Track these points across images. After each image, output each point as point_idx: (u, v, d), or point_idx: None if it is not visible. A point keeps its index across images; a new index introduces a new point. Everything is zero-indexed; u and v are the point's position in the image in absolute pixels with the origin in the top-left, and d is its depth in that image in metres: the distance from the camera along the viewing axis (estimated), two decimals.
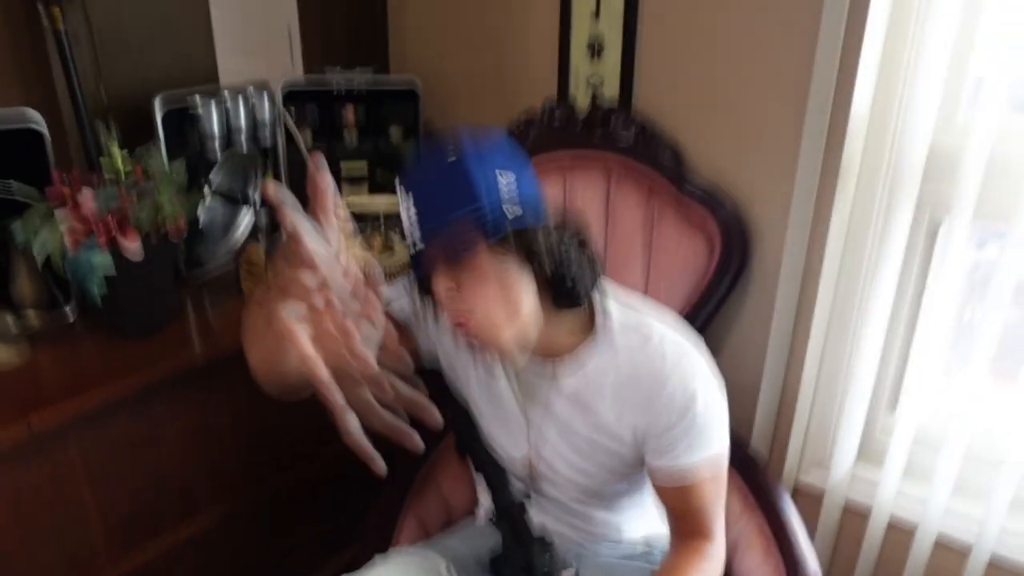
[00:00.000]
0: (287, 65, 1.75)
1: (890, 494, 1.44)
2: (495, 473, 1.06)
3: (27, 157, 1.21)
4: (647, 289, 1.49)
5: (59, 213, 1.11)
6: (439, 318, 0.99)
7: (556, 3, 1.58)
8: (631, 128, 1.51)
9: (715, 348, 1.18)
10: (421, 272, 0.88)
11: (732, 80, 1.41)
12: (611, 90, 1.56)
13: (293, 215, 0.54)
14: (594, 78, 1.58)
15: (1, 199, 1.18)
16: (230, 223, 1.57)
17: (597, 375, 0.95)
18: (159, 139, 1.35)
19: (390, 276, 1.38)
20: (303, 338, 0.53)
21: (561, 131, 1.56)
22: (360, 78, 1.72)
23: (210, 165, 1.51)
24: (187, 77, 1.55)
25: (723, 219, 1.44)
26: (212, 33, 1.59)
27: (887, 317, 1.38)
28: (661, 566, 1.00)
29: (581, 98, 1.61)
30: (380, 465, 0.56)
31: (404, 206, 0.85)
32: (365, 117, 1.77)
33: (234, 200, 1.55)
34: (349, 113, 1.75)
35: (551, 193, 1.46)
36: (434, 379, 1.08)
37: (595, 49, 1.56)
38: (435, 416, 0.58)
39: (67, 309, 1.29)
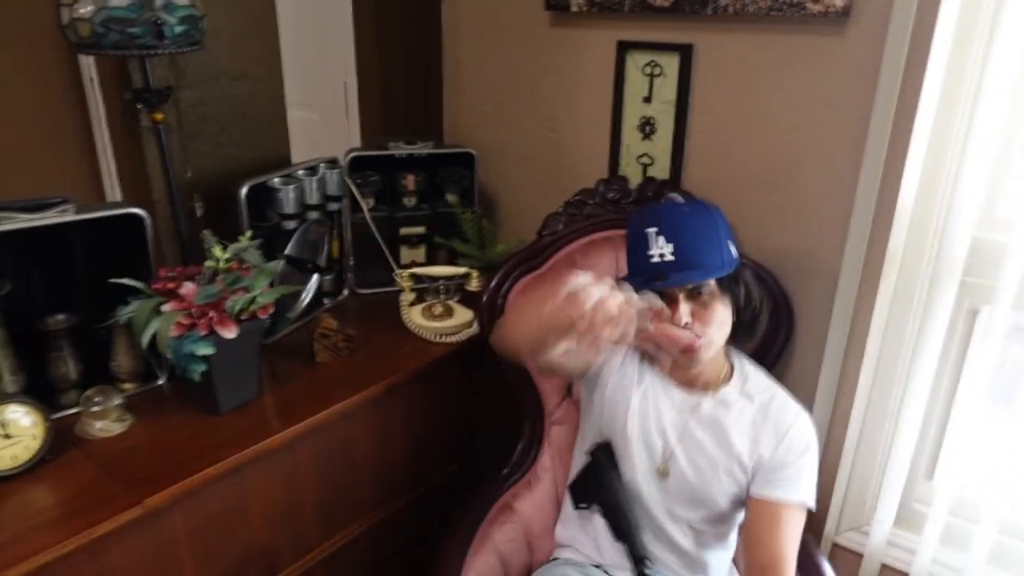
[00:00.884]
0: (347, 139, 1.86)
1: (926, 561, 1.51)
2: (630, 520, 1.15)
3: (126, 244, 1.32)
4: None
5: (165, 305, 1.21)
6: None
7: (609, 87, 1.67)
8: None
9: None
10: (668, 290, 1.13)
11: (781, 166, 1.50)
12: (661, 170, 1.65)
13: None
14: (644, 158, 1.67)
15: (101, 283, 1.29)
16: (299, 288, 1.67)
17: (735, 408, 1.22)
18: (244, 222, 1.45)
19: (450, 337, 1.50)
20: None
21: (614, 204, 1.64)
22: (420, 148, 1.82)
23: (284, 235, 1.61)
24: (263, 158, 1.65)
25: (770, 297, 1.52)
26: (287, 120, 1.70)
27: (927, 393, 1.45)
28: None
29: (632, 175, 1.69)
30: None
31: (651, 238, 1.13)
32: (424, 183, 1.86)
33: (303, 266, 1.65)
34: (409, 180, 1.84)
35: (607, 266, 1.55)
36: None
37: (646, 130, 1.65)
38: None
39: (161, 382, 1.39)
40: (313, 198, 1.63)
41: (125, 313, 1.25)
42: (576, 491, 1.25)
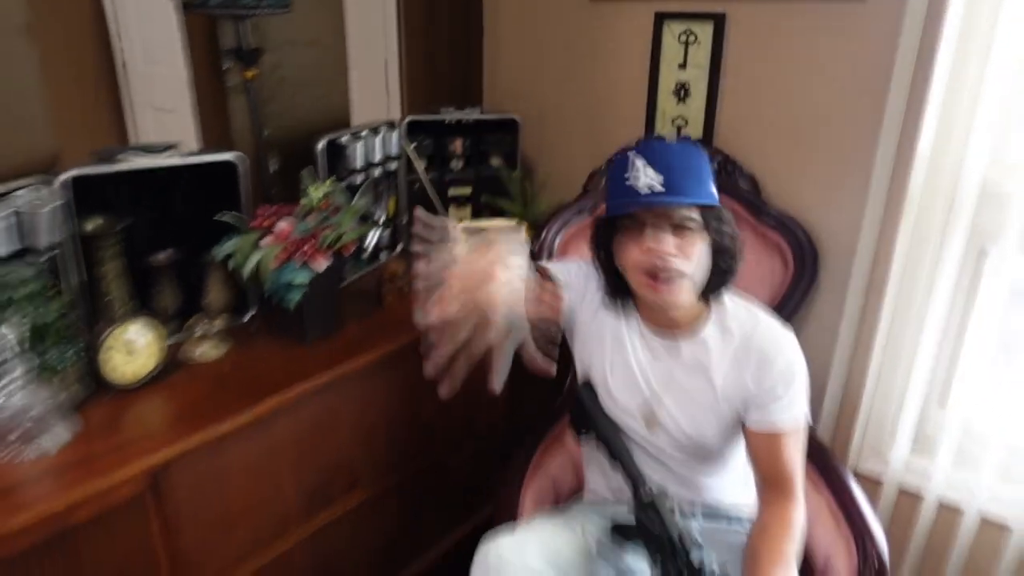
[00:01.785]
0: (391, 104, 2.00)
1: (941, 481, 1.66)
2: (617, 446, 1.25)
3: (217, 189, 1.45)
4: None
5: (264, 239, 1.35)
6: (587, 293, 1.31)
7: (646, 54, 1.82)
8: (714, 161, 1.75)
9: None
10: (654, 219, 1.13)
11: (807, 123, 1.65)
12: (695, 131, 1.80)
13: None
14: (679, 120, 1.82)
15: (196, 224, 1.42)
16: (363, 239, 1.81)
17: (715, 347, 1.22)
18: (320, 171, 1.59)
19: None
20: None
21: None
22: (468, 114, 1.96)
23: (351, 190, 1.75)
24: (328, 118, 1.79)
25: (796, 243, 1.67)
26: (349, 85, 1.84)
27: (940, 327, 1.61)
28: (753, 527, 1.22)
29: (668, 134, 1.84)
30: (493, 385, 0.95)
31: (638, 168, 1.12)
32: (471, 147, 2.00)
33: (366, 219, 1.78)
34: (457, 144, 1.99)
35: None
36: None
37: (681, 94, 1.80)
38: (496, 383, 0.97)
39: (248, 315, 1.53)
40: (376, 156, 1.77)
41: (224, 250, 1.39)
42: (573, 424, 1.33)
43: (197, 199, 1.47)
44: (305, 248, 1.35)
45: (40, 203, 1.16)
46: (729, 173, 1.75)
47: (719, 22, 1.70)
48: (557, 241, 1.74)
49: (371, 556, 1.61)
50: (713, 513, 1.35)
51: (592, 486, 1.44)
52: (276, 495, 1.36)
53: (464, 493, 1.83)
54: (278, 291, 1.37)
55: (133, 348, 1.27)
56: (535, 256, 1.67)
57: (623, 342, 1.28)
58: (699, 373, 1.24)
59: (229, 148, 1.47)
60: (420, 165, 1.90)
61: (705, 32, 1.72)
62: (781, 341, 1.21)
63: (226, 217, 1.38)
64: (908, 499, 1.73)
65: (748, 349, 1.21)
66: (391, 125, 1.83)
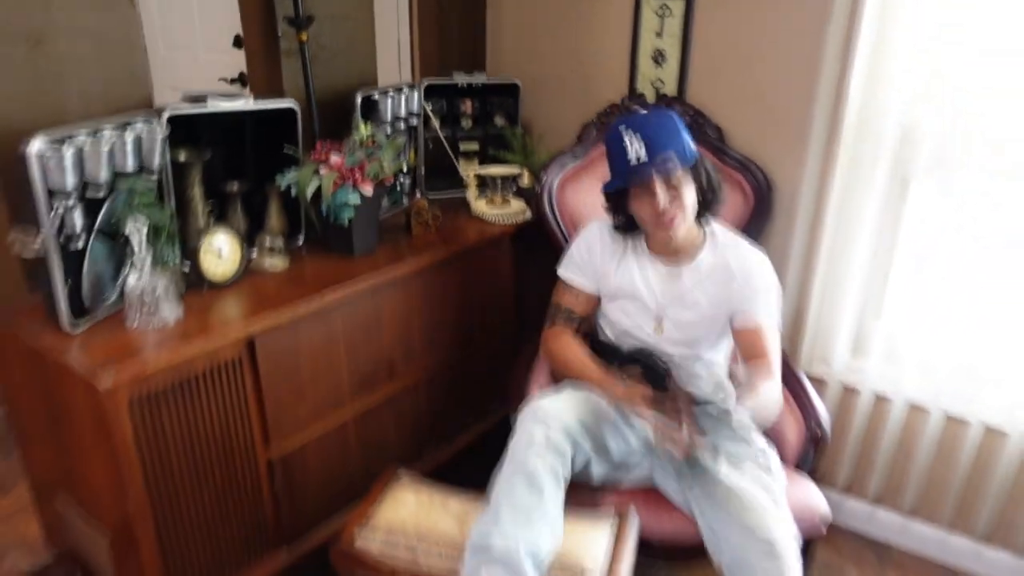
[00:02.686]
0: (402, 70, 2.33)
1: (874, 377, 2.02)
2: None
3: (276, 133, 1.76)
4: None
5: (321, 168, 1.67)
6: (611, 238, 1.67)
7: (628, 26, 2.16)
8: (686, 115, 2.08)
9: None
10: (647, 179, 1.48)
11: (762, 80, 1.99)
12: (670, 89, 2.13)
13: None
14: (657, 82, 2.15)
15: (259, 161, 1.73)
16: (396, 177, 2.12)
17: (710, 269, 1.59)
18: (358, 119, 1.90)
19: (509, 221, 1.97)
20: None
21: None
22: (477, 78, 2.28)
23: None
24: (356, 78, 2.11)
25: (754, 181, 2.02)
26: (376, 50, 2.16)
27: (871, 250, 1.96)
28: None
29: (648, 95, 2.18)
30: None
31: (628, 138, 1.47)
32: (479, 108, 2.33)
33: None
34: (466, 105, 2.31)
35: None
36: None
37: (658, 59, 2.13)
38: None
39: (300, 238, 1.85)
40: (401, 112, 2.08)
41: (287, 179, 1.70)
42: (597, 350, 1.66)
43: (260, 140, 1.78)
44: (356, 175, 1.67)
45: (153, 133, 1.47)
46: (699, 124, 2.09)
47: None
48: (556, 182, 2.07)
49: (407, 440, 1.93)
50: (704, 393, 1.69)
51: None
52: (334, 375, 1.67)
53: (484, 392, 2.15)
54: (335, 210, 1.68)
55: (221, 254, 1.58)
56: (540, 210, 2.02)
57: (638, 271, 1.64)
58: (697, 289, 1.60)
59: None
60: (436, 122, 2.22)
61: (678, 6, 2.06)
62: (761, 260, 1.60)
63: (290, 151, 1.69)
64: (849, 393, 2.09)
65: (734, 267, 1.58)
66: (411, 87, 2.15)
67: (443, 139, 2.21)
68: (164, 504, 1.40)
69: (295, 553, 1.68)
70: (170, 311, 1.43)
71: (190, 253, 1.55)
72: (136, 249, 1.39)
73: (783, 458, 1.78)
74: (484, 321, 2.09)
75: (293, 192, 1.71)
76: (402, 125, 2.10)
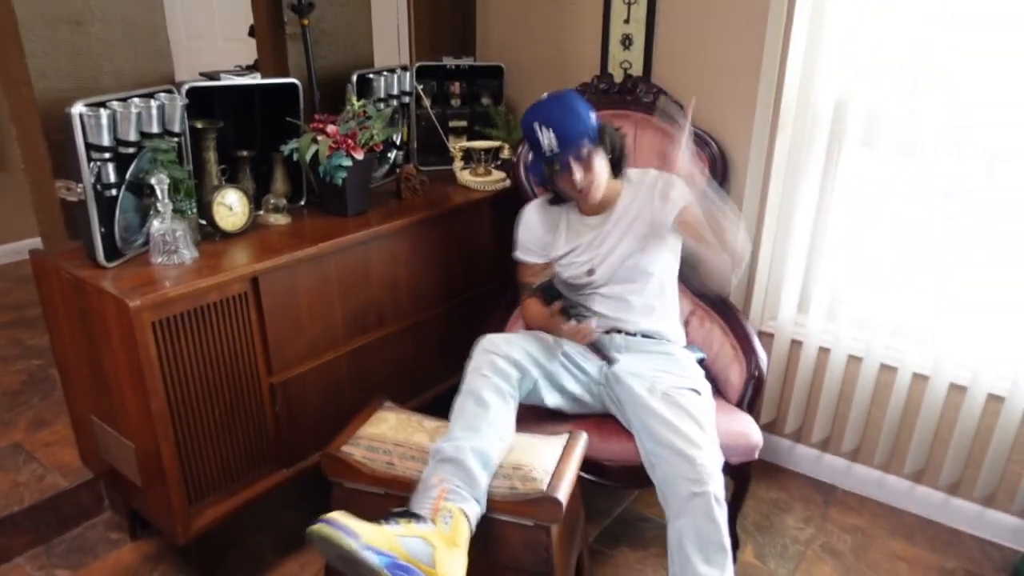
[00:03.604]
0: (401, 54, 2.57)
1: (816, 332, 2.24)
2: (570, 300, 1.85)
3: (280, 107, 2.01)
4: None
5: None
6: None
7: (599, 13, 2.38)
8: (651, 93, 2.31)
9: None
10: (562, 164, 1.77)
11: (717, 63, 2.21)
12: (636, 69, 2.36)
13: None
14: (625, 63, 2.38)
15: (266, 131, 1.98)
16: (385, 156, 2.37)
17: (629, 207, 1.89)
18: (354, 95, 2.15)
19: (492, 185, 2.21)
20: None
21: (604, 94, 2.36)
22: (464, 61, 2.52)
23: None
24: (355, 60, 2.36)
25: (711, 153, 2.24)
26: (372, 34, 2.40)
27: (813, 218, 2.18)
28: None
29: (617, 75, 2.41)
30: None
31: (541, 132, 1.74)
32: (466, 89, 2.57)
33: (387, 142, 2.34)
34: (455, 85, 2.55)
35: None
36: None
37: (626, 43, 2.36)
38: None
39: (302, 201, 2.10)
40: (394, 90, 2.33)
41: (290, 146, 1.95)
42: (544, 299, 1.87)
43: (268, 114, 2.04)
44: (348, 142, 1.92)
45: (174, 102, 1.72)
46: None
47: None
48: (530, 155, 2.30)
49: (394, 380, 2.18)
50: (651, 335, 1.93)
51: None
52: (329, 316, 1.93)
53: (466, 340, 2.37)
54: (329, 171, 1.93)
55: (232, 208, 1.83)
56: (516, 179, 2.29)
57: (575, 231, 1.95)
58: (624, 226, 1.87)
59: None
60: (427, 101, 2.46)
61: None
62: (660, 173, 1.92)
63: (293, 120, 1.94)
64: (795, 346, 2.31)
65: (647, 183, 1.90)
66: (404, 68, 2.39)
67: (432, 116, 2.46)
68: (182, 418, 1.65)
69: (294, 470, 1.93)
70: (188, 252, 1.69)
71: (205, 206, 1.81)
72: (160, 197, 1.64)
73: (727, 398, 2.02)
74: (466, 276, 2.33)
75: (295, 158, 1.96)
76: (395, 103, 2.35)
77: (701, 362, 1.99)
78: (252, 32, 2.46)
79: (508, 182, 2.37)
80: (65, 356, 1.83)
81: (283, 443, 1.90)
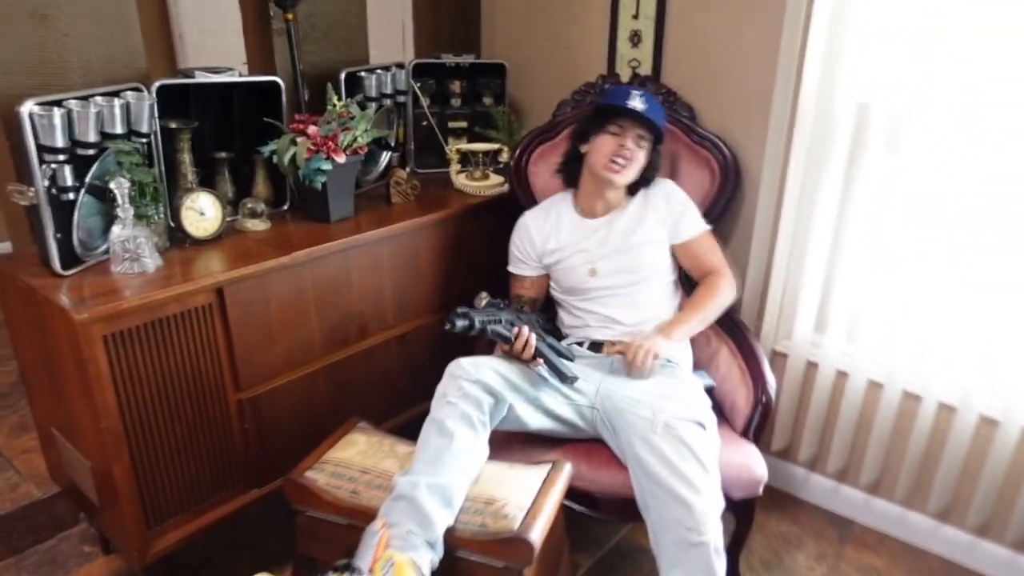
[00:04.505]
0: (406, 50, 2.45)
1: (835, 353, 2.06)
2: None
3: (263, 106, 1.91)
4: None
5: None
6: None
7: (607, 9, 2.24)
8: (660, 93, 2.16)
9: None
10: (627, 126, 1.79)
11: (731, 63, 2.05)
12: (645, 69, 2.21)
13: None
14: (633, 61, 2.23)
15: (247, 132, 1.88)
16: (376, 158, 2.26)
17: (636, 214, 1.87)
18: (342, 94, 2.04)
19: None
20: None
21: None
22: (465, 59, 2.40)
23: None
24: (350, 58, 2.25)
25: (722, 158, 2.08)
26: (367, 30, 2.29)
27: (832, 230, 2.00)
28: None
29: (624, 74, 2.26)
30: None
31: (634, 97, 1.77)
32: (467, 88, 2.44)
33: (379, 143, 2.23)
34: (456, 84, 2.43)
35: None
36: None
37: (635, 40, 2.21)
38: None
39: (284, 206, 2.00)
40: (387, 89, 2.21)
41: (269, 147, 1.85)
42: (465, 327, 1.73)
43: (248, 112, 1.93)
44: (329, 144, 1.80)
45: (141, 101, 1.63)
46: (671, 103, 2.16)
47: None
48: (531, 158, 2.17)
49: (378, 393, 2.06)
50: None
51: None
52: (305, 327, 1.82)
53: (458, 356, 2.26)
54: (309, 175, 1.82)
55: (203, 213, 1.73)
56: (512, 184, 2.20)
57: (569, 233, 1.91)
58: (626, 231, 1.86)
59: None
60: (424, 101, 2.34)
61: None
62: (672, 184, 1.94)
63: (271, 120, 1.83)
64: (811, 368, 2.14)
65: (654, 196, 1.89)
66: (400, 65, 2.27)
67: (429, 116, 2.33)
68: (138, 435, 1.56)
69: (266, 490, 1.83)
70: (151, 261, 1.59)
71: (175, 211, 1.71)
72: (120, 201, 1.55)
73: (733, 425, 1.86)
74: (458, 286, 2.21)
75: (274, 160, 1.86)
76: (388, 102, 2.23)
77: (709, 391, 1.84)
78: None
79: (506, 187, 2.24)
80: (26, 366, 1.76)
81: (253, 462, 1.80)
